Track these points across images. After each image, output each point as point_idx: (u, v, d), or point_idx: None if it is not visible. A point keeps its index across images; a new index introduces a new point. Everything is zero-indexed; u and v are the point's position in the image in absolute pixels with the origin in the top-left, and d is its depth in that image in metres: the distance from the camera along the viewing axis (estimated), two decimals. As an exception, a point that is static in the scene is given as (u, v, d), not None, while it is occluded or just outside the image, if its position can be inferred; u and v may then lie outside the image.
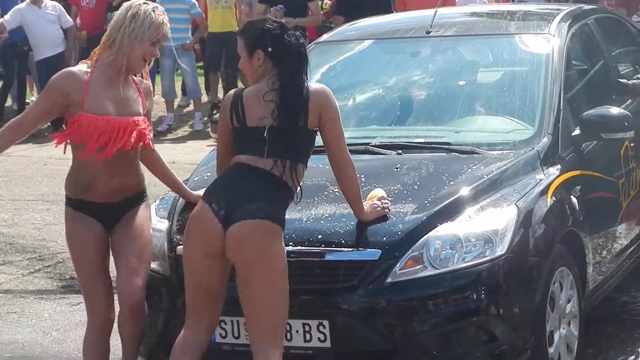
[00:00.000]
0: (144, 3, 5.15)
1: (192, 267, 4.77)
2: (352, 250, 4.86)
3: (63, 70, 5.16)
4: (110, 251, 5.22)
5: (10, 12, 14.44)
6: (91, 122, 4.98)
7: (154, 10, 5.14)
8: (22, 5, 14.59)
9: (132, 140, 5.04)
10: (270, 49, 4.79)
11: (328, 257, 4.87)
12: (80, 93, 5.00)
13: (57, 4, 14.84)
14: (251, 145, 4.76)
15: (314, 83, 4.95)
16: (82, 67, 5.09)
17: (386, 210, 4.97)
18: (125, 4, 5.14)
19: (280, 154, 4.71)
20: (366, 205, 4.97)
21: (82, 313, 7.01)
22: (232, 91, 4.97)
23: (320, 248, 4.89)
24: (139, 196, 5.24)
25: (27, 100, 15.45)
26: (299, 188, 4.81)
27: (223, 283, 4.77)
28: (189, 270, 4.80)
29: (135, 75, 5.20)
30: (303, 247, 4.90)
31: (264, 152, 4.71)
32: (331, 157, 4.92)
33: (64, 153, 5.14)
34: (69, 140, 5.09)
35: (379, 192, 5.07)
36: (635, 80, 6.96)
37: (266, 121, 4.74)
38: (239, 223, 4.61)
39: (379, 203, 4.98)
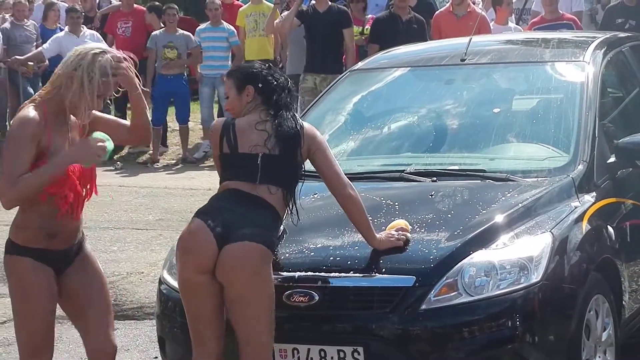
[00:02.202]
0: None
1: (185, 287, 4.85)
2: (387, 277, 4.87)
3: None
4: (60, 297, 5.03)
5: (49, 41, 14.60)
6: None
7: None
8: (60, 34, 14.76)
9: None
10: (260, 85, 4.97)
11: (362, 283, 4.88)
12: None
13: (95, 32, 14.99)
14: (242, 171, 4.88)
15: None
16: None
17: (400, 241, 4.98)
18: None
19: (273, 182, 4.85)
20: (383, 234, 5.00)
21: (118, 339, 7.00)
22: (221, 119, 5.11)
23: (355, 274, 4.90)
24: (82, 236, 5.09)
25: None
26: (294, 214, 4.94)
27: (219, 306, 4.83)
28: (183, 292, 4.88)
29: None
30: (337, 274, 4.91)
31: (257, 179, 4.83)
32: (329, 183, 5.01)
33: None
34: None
35: (400, 222, 5.08)
36: None
37: (259, 149, 4.88)
38: (235, 244, 4.70)
39: (395, 233, 5.00)
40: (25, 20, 14.85)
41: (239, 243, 4.70)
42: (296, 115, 5.01)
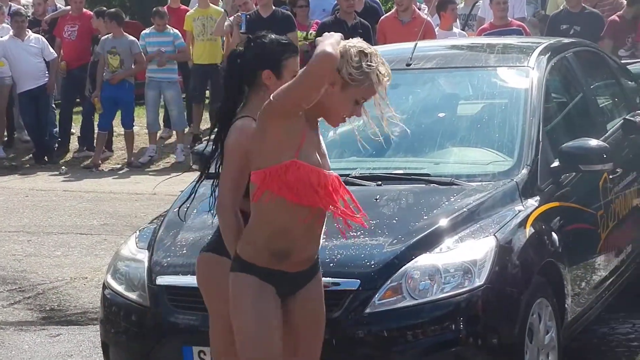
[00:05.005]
0: None
1: None
2: (331, 280, 4.85)
3: None
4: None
5: (-8, 45, 14.46)
6: None
7: None
8: (4, 37, 14.61)
9: None
10: None
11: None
12: None
13: (40, 36, 14.87)
14: None
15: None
16: None
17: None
18: None
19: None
20: None
21: (61, 345, 7.01)
22: None
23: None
24: (318, 261, 4.53)
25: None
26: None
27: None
28: None
29: None
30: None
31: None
32: None
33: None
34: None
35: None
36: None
37: None
38: None
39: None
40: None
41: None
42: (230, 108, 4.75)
